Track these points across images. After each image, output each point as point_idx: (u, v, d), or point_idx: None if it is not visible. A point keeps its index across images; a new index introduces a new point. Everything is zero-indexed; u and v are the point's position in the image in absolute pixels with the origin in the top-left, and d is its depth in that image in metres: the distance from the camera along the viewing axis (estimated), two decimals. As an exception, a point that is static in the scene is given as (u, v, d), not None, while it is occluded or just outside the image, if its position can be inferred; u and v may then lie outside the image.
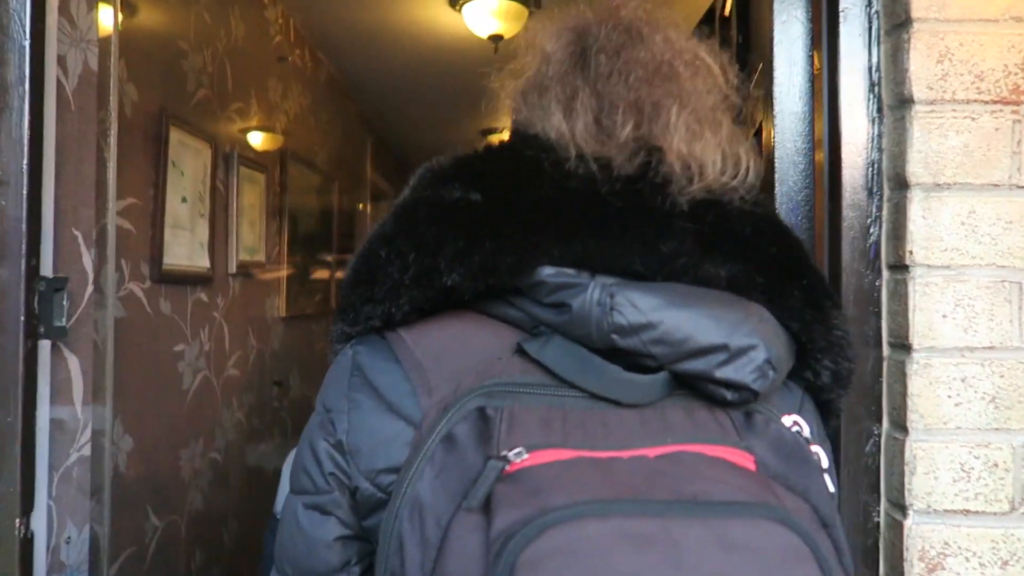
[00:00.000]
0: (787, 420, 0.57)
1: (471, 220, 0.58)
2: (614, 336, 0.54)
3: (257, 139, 2.79)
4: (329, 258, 3.86)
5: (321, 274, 3.72)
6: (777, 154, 1.07)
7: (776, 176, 1.06)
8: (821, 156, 1.02)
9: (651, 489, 0.47)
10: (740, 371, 0.53)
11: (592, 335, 0.55)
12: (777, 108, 1.07)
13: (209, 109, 2.34)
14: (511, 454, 0.49)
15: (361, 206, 4.92)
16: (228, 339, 2.52)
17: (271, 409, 2.98)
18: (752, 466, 0.52)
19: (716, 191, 0.60)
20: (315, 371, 3.59)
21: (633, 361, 0.55)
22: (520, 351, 0.57)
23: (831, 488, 0.56)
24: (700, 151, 0.60)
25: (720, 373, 0.54)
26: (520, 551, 0.44)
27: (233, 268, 2.51)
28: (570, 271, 0.56)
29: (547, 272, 0.56)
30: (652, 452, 0.51)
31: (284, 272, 3.13)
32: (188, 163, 2.13)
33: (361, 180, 4.98)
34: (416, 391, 0.57)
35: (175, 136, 2.02)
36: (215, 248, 2.35)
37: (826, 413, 0.65)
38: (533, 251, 0.56)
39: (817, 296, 0.61)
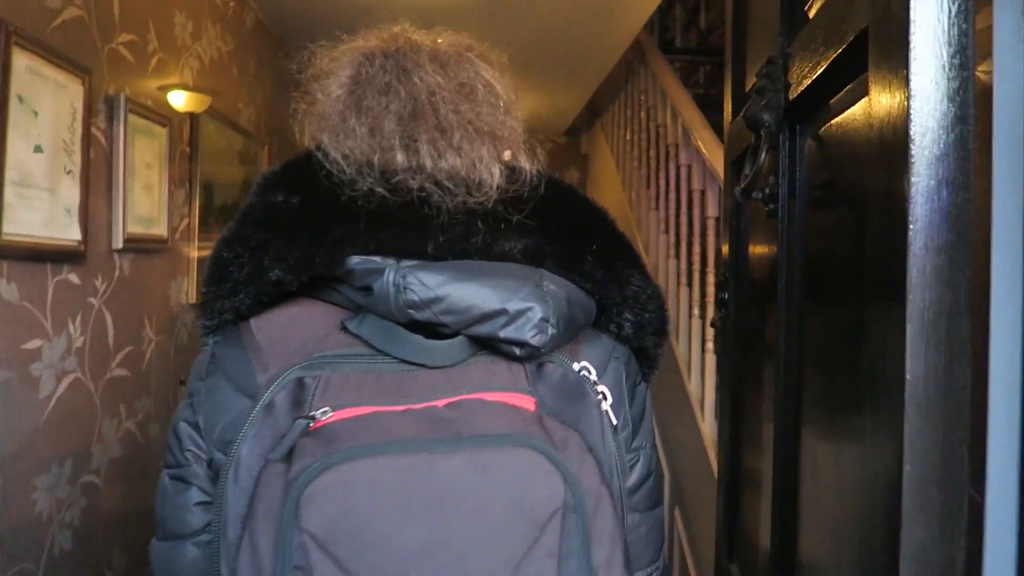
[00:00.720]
0: (576, 366, 0.70)
1: (290, 221, 0.69)
2: (410, 311, 0.65)
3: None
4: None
5: (245, 253, 3.20)
6: (914, 69, 0.67)
7: (913, 106, 0.66)
8: (989, 73, 0.63)
9: (433, 431, 0.60)
10: (520, 330, 0.65)
11: (393, 311, 0.65)
12: (914, 3, 0.67)
13: (83, 35, 1.82)
14: (318, 413, 0.61)
15: (297, 178, 4.39)
16: (112, 331, 2.01)
17: (176, 414, 2.48)
18: (532, 406, 0.66)
19: (494, 197, 0.71)
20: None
21: (433, 330, 0.66)
22: (344, 328, 0.68)
23: (614, 420, 0.70)
24: (470, 168, 0.71)
25: (504, 333, 0.65)
26: (304, 487, 0.57)
27: (119, 243, 2.00)
28: (376, 259, 0.67)
29: (355, 261, 0.67)
30: (442, 402, 0.64)
31: (195, 250, 2.62)
32: (46, 102, 1.61)
33: (296, 150, 4.44)
34: (255, 370, 0.67)
35: (22, 62, 1.51)
36: (91, 216, 1.84)
37: (643, 359, 0.77)
38: (342, 244, 0.67)
39: (609, 258, 0.73)
